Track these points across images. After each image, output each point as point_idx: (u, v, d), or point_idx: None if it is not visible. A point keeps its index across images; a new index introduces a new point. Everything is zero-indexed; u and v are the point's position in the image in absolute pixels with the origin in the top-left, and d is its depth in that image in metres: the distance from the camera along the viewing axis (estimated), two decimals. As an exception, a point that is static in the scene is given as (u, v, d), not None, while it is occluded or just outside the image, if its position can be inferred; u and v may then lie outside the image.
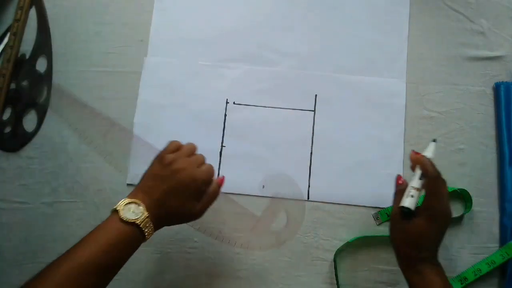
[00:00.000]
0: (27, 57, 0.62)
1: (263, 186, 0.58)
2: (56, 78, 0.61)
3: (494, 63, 0.61)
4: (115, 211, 0.43)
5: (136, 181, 0.61)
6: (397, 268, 0.56)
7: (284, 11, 0.63)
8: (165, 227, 0.46)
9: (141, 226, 0.42)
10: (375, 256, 0.56)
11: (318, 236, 0.57)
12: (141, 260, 0.56)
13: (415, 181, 0.46)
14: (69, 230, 0.58)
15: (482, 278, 0.54)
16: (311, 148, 0.59)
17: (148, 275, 0.56)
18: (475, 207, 0.57)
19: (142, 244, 0.58)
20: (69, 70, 0.62)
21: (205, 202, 0.46)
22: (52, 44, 0.62)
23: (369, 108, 0.60)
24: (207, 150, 0.49)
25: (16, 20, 0.61)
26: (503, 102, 0.58)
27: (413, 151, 0.48)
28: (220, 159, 0.59)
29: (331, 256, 0.56)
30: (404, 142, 0.59)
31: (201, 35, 0.62)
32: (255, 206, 0.57)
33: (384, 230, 0.57)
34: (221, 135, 0.60)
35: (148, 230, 0.43)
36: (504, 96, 0.58)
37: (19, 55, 0.62)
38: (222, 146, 0.59)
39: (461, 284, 0.54)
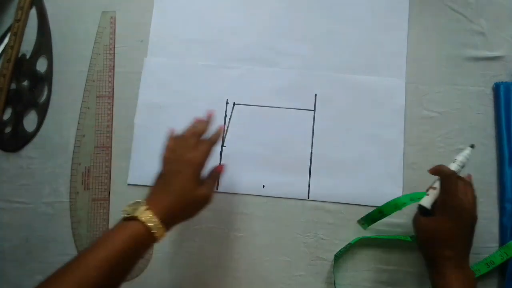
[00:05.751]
0: (27, 57, 0.62)
1: (263, 186, 0.58)
2: (56, 78, 0.62)
3: (494, 63, 0.61)
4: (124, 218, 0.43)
5: (136, 181, 0.61)
6: (397, 268, 0.56)
7: (284, 11, 0.63)
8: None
9: (147, 224, 0.42)
10: (375, 256, 0.56)
11: (318, 236, 0.57)
12: (140, 260, 0.56)
13: (434, 182, 0.50)
14: (69, 230, 0.57)
15: (481, 278, 0.54)
16: (311, 148, 0.59)
17: (147, 275, 0.56)
18: (475, 207, 0.57)
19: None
20: (69, 70, 0.62)
21: (209, 184, 0.49)
22: (52, 44, 0.62)
23: (369, 108, 0.60)
24: (207, 150, 0.49)
25: (16, 20, 0.62)
26: (502, 102, 0.58)
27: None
28: (220, 159, 0.59)
29: (331, 256, 0.56)
30: (404, 142, 0.59)
31: (201, 35, 0.62)
32: (255, 206, 0.58)
33: (384, 230, 0.57)
34: (222, 136, 0.60)
35: (154, 226, 0.42)
36: (503, 96, 0.58)
37: (19, 55, 0.62)
38: (222, 146, 0.59)
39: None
